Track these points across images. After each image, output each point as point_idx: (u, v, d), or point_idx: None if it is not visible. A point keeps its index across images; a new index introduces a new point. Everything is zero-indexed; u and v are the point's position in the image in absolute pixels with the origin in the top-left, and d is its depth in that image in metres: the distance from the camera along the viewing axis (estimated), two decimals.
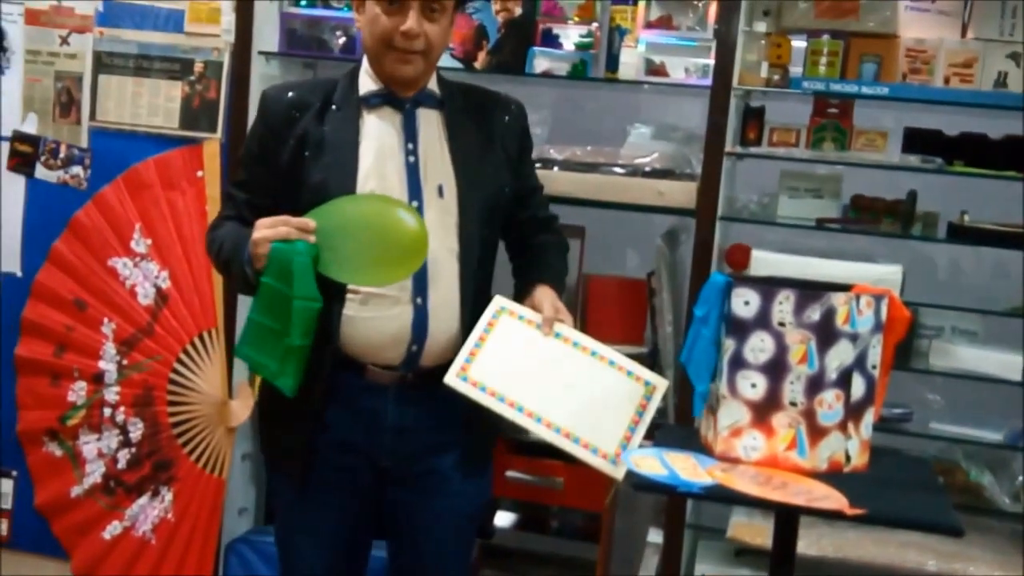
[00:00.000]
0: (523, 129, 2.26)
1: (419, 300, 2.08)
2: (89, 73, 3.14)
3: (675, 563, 2.79)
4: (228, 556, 3.08)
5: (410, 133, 2.12)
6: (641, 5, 2.83)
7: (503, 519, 3.18)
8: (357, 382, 2.12)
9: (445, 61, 2.86)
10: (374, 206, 2.06)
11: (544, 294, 2.16)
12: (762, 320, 1.94)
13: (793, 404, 1.94)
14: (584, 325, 3.00)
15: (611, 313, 2.94)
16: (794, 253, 2.59)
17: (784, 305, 1.92)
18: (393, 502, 2.19)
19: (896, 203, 2.75)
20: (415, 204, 2.09)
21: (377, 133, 2.12)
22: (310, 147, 2.10)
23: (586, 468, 2.72)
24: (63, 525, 3.21)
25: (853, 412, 1.96)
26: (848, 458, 1.97)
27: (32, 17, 3.19)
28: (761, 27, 2.75)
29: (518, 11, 2.88)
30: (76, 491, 3.18)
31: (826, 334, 1.92)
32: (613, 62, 2.84)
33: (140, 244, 3.09)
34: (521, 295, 2.21)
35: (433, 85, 2.16)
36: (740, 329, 1.94)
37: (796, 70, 2.73)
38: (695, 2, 2.82)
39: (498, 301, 2.13)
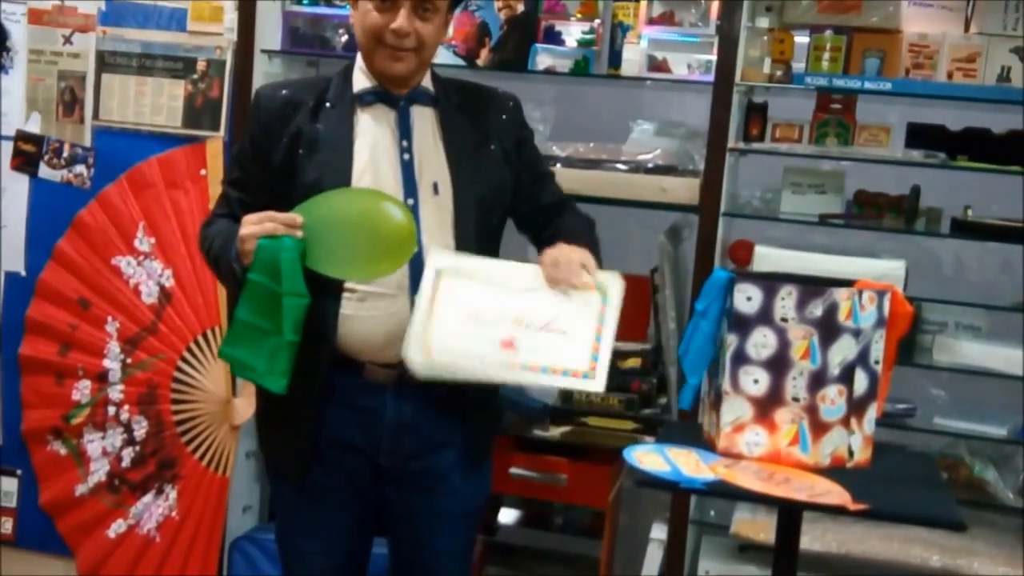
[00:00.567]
0: (519, 122, 2.24)
1: (416, 298, 2.05)
2: (92, 72, 3.15)
3: (679, 559, 2.79)
4: (232, 554, 3.09)
5: (404, 130, 2.11)
6: (643, 2, 2.83)
7: (507, 516, 3.18)
8: (355, 381, 2.10)
9: (448, 58, 2.87)
10: (361, 200, 2.05)
11: (558, 248, 2.09)
12: (765, 316, 1.94)
13: (796, 400, 1.94)
14: None
15: None
16: (797, 249, 2.58)
17: (787, 301, 1.92)
18: (392, 501, 2.19)
19: (899, 198, 2.74)
20: (410, 202, 2.08)
21: (371, 131, 2.11)
22: (304, 145, 2.09)
23: (590, 465, 2.74)
24: (68, 523, 3.21)
25: (856, 408, 1.96)
26: (851, 454, 1.97)
27: (35, 16, 3.19)
28: (764, 23, 2.75)
29: (520, 8, 2.88)
30: (81, 489, 3.18)
31: (829, 330, 1.92)
32: (615, 59, 2.84)
33: (144, 243, 3.10)
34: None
35: (427, 82, 2.16)
36: (743, 325, 1.94)
37: (799, 66, 2.73)
38: None
39: (434, 262, 2.05)
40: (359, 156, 2.09)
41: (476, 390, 2.14)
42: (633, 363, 2.78)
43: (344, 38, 2.95)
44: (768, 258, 2.53)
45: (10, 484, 3.28)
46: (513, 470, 2.74)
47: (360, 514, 2.21)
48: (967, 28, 2.66)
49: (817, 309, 1.92)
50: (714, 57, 2.71)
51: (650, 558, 2.79)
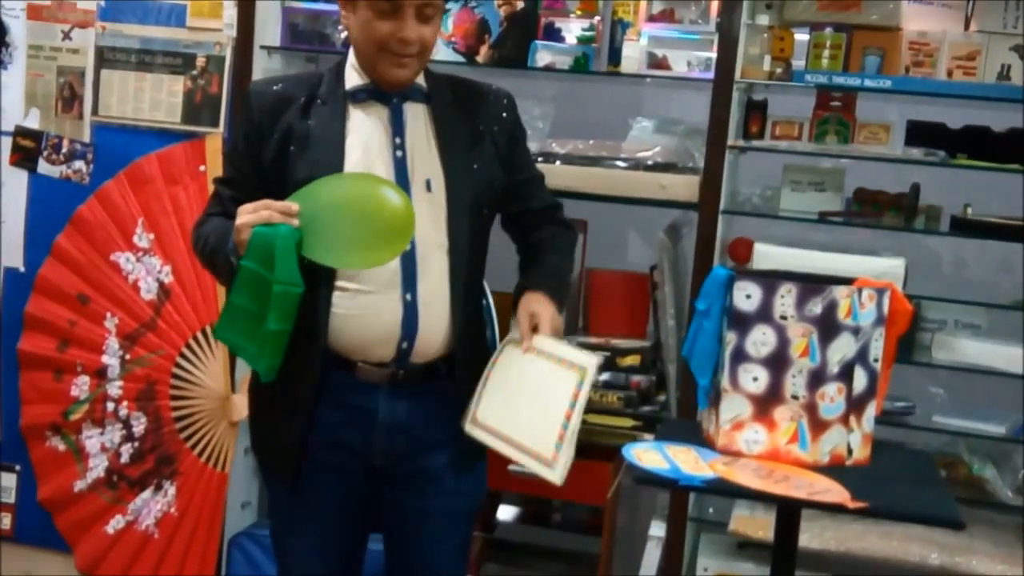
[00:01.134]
0: (513, 120, 2.22)
1: (408, 296, 2.04)
2: (91, 68, 3.14)
3: (677, 557, 2.79)
4: (231, 550, 3.09)
5: (397, 127, 2.09)
6: None
7: (505, 513, 3.18)
8: (347, 380, 2.09)
9: (447, 55, 2.87)
10: (358, 185, 2.03)
11: (522, 304, 2.12)
12: (764, 313, 1.94)
13: (795, 397, 1.94)
14: (586, 319, 3.00)
15: (613, 307, 2.94)
16: (797, 246, 2.58)
17: (786, 298, 1.92)
18: (386, 501, 2.18)
19: (899, 196, 2.74)
20: None
21: (363, 128, 2.09)
22: (295, 142, 2.07)
23: (588, 462, 2.74)
24: (66, 519, 3.21)
25: (855, 405, 1.96)
26: (850, 451, 1.97)
27: (34, 12, 3.18)
28: (764, 20, 2.74)
29: (520, 5, 2.87)
30: (79, 485, 3.18)
31: (828, 327, 1.93)
32: (615, 56, 2.84)
33: (143, 239, 3.09)
34: (515, 304, 2.16)
35: (420, 79, 2.13)
36: (742, 322, 1.94)
37: (799, 63, 2.73)
38: None
39: (509, 336, 2.11)
40: (351, 153, 2.07)
41: (471, 387, 2.13)
42: (632, 360, 2.78)
43: (344, 34, 2.94)
44: (767, 256, 2.53)
45: (9, 480, 3.28)
46: (511, 467, 2.71)
47: (354, 513, 2.20)
48: (967, 26, 2.66)
49: (816, 307, 1.92)
50: (714, 54, 2.71)
51: (649, 555, 2.79)
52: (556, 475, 1.91)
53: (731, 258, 2.79)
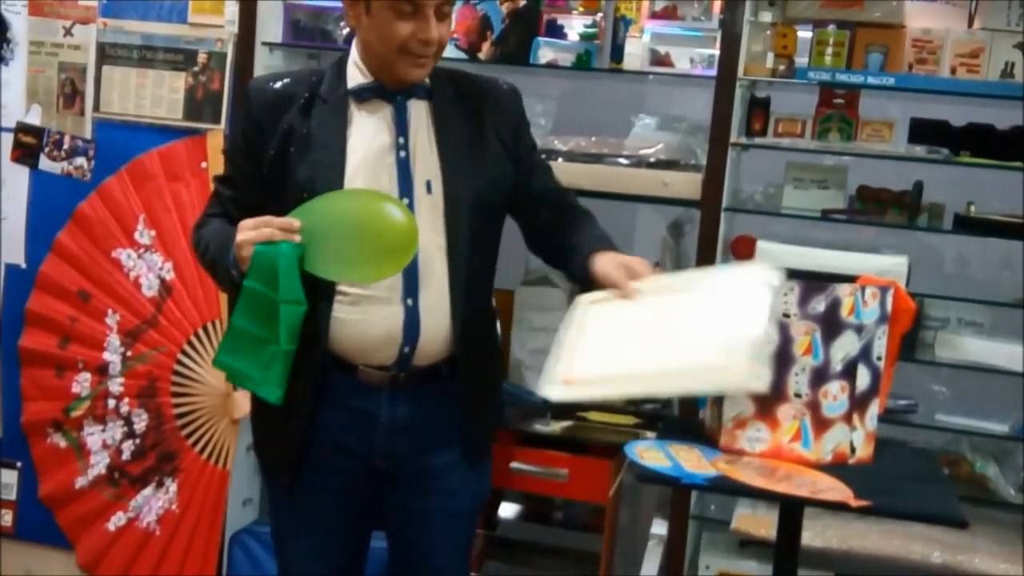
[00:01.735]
0: (517, 113, 2.18)
1: (410, 301, 2.02)
2: (93, 64, 3.14)
3: (679, 555, 2.78)
4: (232, 547, 3.09)
5: (401, 127, 2.05)
6: None
7: (507, 510, 3.17)
8: (348, 383, 2.07)
9: (449, 51, 2.84)
10: (360, 201, 2.00)
11: (605, 262, 2.01)
12: None
13: (798, 396, 1.93)
14: None
15: None
16: (799, 244, 2.58)
17: (789, 296, 1.92)
18: (389, 501, 2.17)
19: (902, 194, 2.74)
20: (405, 201, 2.02)
21: (366, 128, 2.05)
22: (296, 143, 2.03)
23: (590, 460, 2.74)
24: (67, 516, 3.21)
25: (858, 404, 1.95)
26: (853, 450, 1.96)
27: (36, 8, 3.18)
28: (767, 17, 2.74)
29: (522, 1, 2.87)
30: (80, 482, 3.18)
31: (831, 325, 1.92)
32: (618, 53, 2.83)
33: (144, 235, 3.09)
34: (578, 277, 2.09)
35: None
36: None
37: (802, 60, 2.72)
38: None
39: (580, 299, 2.02)
40: (352, 154, 2.03)
41: (476, 388, 2.12)
42: None
43: (346, 31, 2.94)
44: (770, 254, 2.53)
45: (10, 476, 3.28)
46: (513, 465, 2.73)
47: (355, 514, 2.19)
48: (971, 23, 2.65)
49: (819, 305, 1.92)
50: (717, 51, 2.70)
51: (650, 553, 2.78)
52: (761, 382, 1.80)
53: (734, 256, 2.78)
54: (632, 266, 2.00)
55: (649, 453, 1.93)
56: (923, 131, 2.72)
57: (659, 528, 2.80)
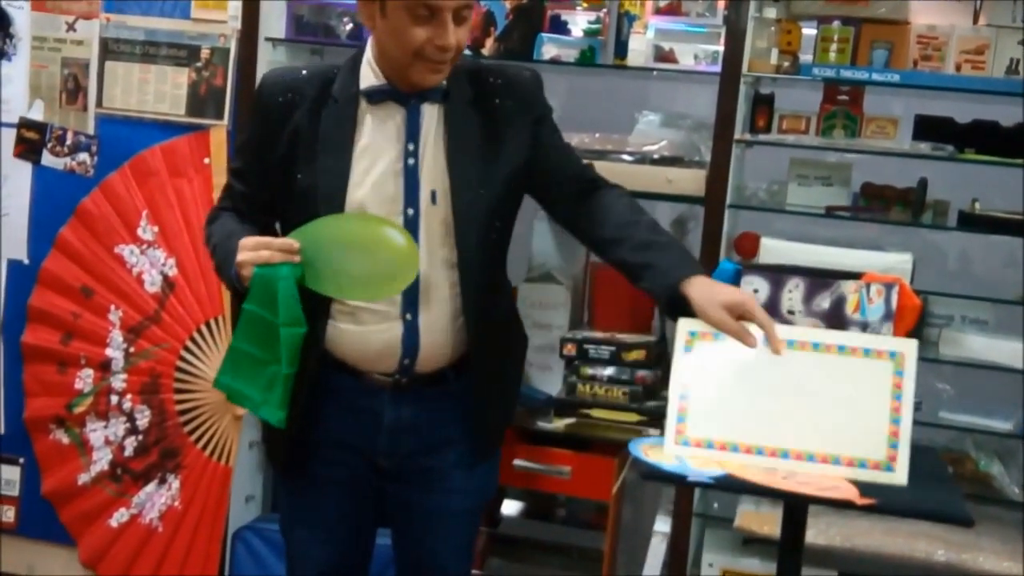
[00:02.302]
0: (538, 99, 2.10)
1: (408, 316, 2.00)
2: (96, 59, 3.13)
3: (682, 552, 2.78)
4: (235, 544, 3.08)
5: (412, 132, 1.98)
6: None
7: (510, 507, 3.17)
8: (353, 383, 2.07)
9: None
10: (360, 226, 1.98)
11: (706, 303, 1.87)
12: (771, 308, 1.93)
13: None
14: (592, 314, 2.99)
15: (619, 303, 2.93)
16: (803, 241, 2.57)
17: (794, 293, 1.92)
18: (394, 498, 2.16)
19: (906, 191, 2.73)
20: (410, 212, 1.98)
21: (375, 133, 2.00)
22: (302, 146, 1.99)
23: (594, 457, 2.73)
24: (70, 512, 3.21)
25: None
26: None
27: (39, 3, 3.17)
28: (771, 13, 2.73)
29: None
30: (83, 478, 3.18)
31: (836, 322, 1.92)
32: (622, 49, 2.82)
33: (147, 231, 3.09)
34: (660, 300, 1.98)
35: None
36: None
37: (806, 57, 2.71)
38: None
39: (685, 326, 1.91)
40: (359, 162, 1.99)
41: (488, 388, 2.11)
42: (637, 355, 2.76)
43: (349, 26, 2.93)
44: (774, 250, 2.52)
45: (12, 472, 3.28)
46: (516, 462, 2.73)
47: (362, 506, 2.18)
48: (976, 20, 2.64)
49: (824, 302, 1.91)
50: (721, 48, 2.69)
51: (654, 551, 2.78)
52: (900, 476, 1.80)
53: (737, 252, 2.77)
54: (735, 306, 1.87)
55: (654, 451, 1.92)
56: (928, 128, 2.71)
57: (662, 525, 2.79)
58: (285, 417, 1.95)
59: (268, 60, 2.98)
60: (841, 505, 1.79)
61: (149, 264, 3.09)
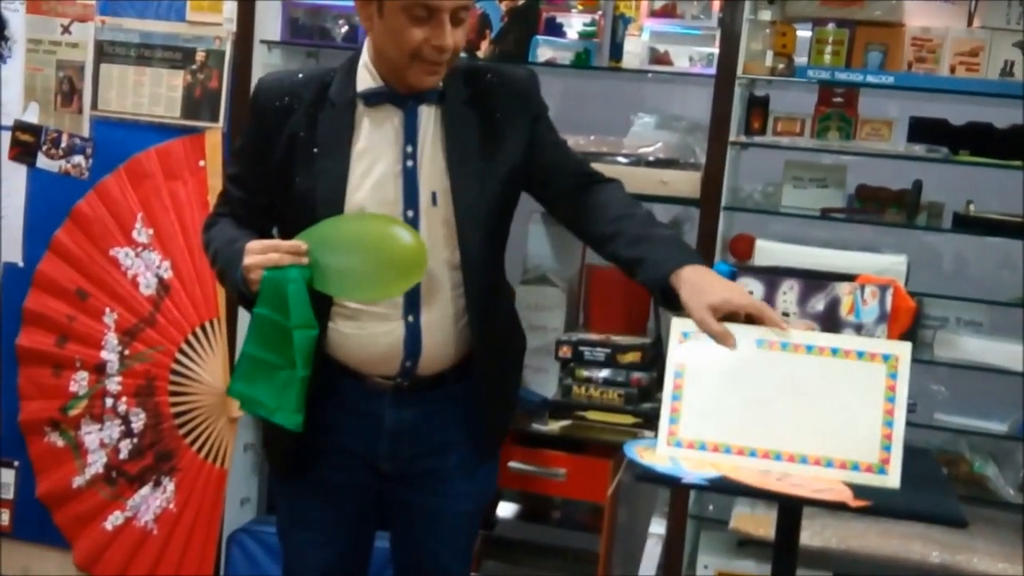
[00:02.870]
0: (534, 99, 2.11)
1: (410, 317, 2.00)
2: (91, 62, 3.13)
3: (678, 554, 2.78)
4: (230, 547, 3.08)
5: (410, 134, 1.99)
6: None
7: (505, 510, 3.17)
8: (354, 386, 2.07)
9: None
10: (369, 225, 1.98)
11: (694, 302, 1.86)
12: None
13: None
14: (587, 316, 2.99)
15: (614, 304, 2.93)
16: (798, 243, 2.57)
17: (788, 295, 1.91)
18: (393, 499, 2.16)
19: (901, 193, 2.73)
20: (410, 214, 1.98)
21: (373, 135, 2.00)
22: (300, 150, 1.99)
23: (589, 459, 2.73)
24: (65, 515, 3.21)
25: None
26: None
27: (34, 6, 3.17)
28: (766, 16, 2.73)
29: (521, 0, 2.86)
30: (78, 481, 3.18)
31: (830, 324, 1.91)
32: (617, 51, 2.82)
33: (142, 234, 3.08)
34: (655, 294, 1.97)
35: None
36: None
37: (801, 59, 2.72)
38: None
39: (678, 327, 1.90)
40: (357, 164, 1.99)
41: (489, 389, 2.11)
42: (632, 357, 2.77)
43: (344, 28, 2.93)
44: (769, 252, 2.52)
45: (7, 475, 3.27)
46: (511, 464, 2.72)
47: (361, 510, 2.18)
48: (970, 22, 2.64)
49: (819, 304, 1.91)
50: (716, 50, 2.70)
51: (649, 553, 2.78)
52: (892, 479, 1.79)
53: (732, 255, 2.78)
54: (719, 306, 1.86)
55: (649, 453, 1.92)
56: (922, 130, 2.72)
57: (657, 527, 2.79)
58: (303, 421, 1.94)
59: (263, 62, 2.98)
60: (835, 507, 1.79)
61: (144, 267, 3.08)
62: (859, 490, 1.78)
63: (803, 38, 2.73)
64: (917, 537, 2.64)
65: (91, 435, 3.15)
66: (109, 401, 3.13)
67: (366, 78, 2.01)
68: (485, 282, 2.07)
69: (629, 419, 2.76)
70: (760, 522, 2.72)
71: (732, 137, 2.70)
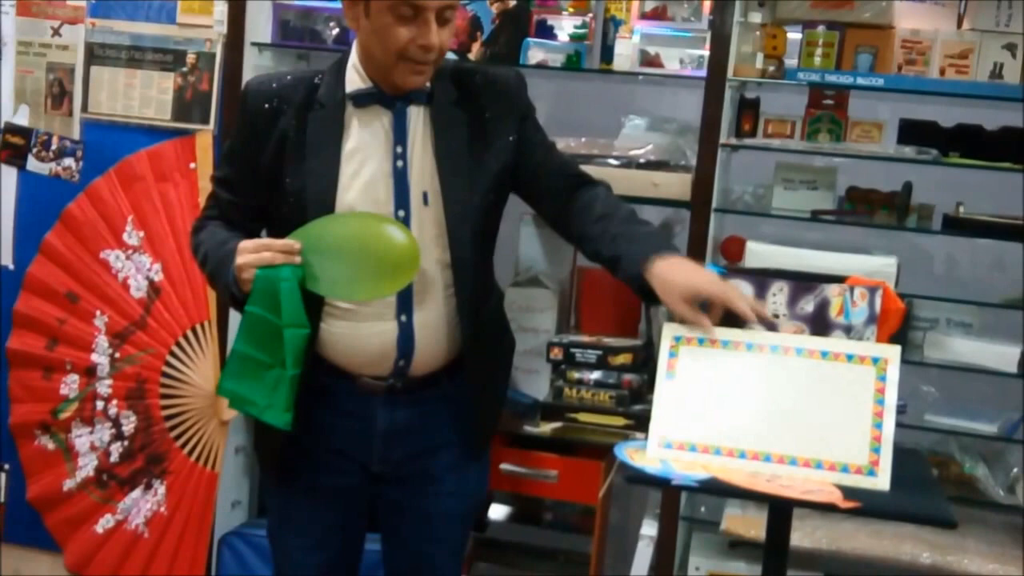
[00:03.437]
0: (521, 102, 2.12)
1: (403, 317, 2.01)
2: (81, 64, 3.13)
3: (669, 556, 2.78)
4: (221, 549, 3.07)
5: (399, 135, 2.00)
6: None
7: (497, 512, 3.17)
8: (346, 387, 2.07)
9: None
10: (361, 224, 1.98)
11: (671, 296, 1.89)
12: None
13: None
14: (578, 318, 2.99)
15: (605, 306, 2.93)
16: (789, 245, 2.57)
17: (778, 297, 1.92)
18: (386, 501, 2.17)
19: (891, 195, 2.74)
20: (401, 214, 1.99)
21: (362, 135, 2.01)
22: (290, 150, 2.00)
23: (580, 461, 2.73)
24: (56, 518, 3.20)
25: None
26: None
27: (24, 8, 3.17)
28: (756, 18, 2.74)
29: (512, 2, 2.86)
30: (69, 484, 3.17)
31: (820, 326, 1.92)
32: (608, 53, 2.83)
33: (132, 236, 3.08)
34: (634, 288, 1.99)
35: None
36: (734, 320, 1.93)
37: (791, 61, 2.72)
38: None
39: (670, 331, 1.92)
40: (347, 164, 2.00)
41: (480, 389, 2.11)
42: (624, 359, 2.77)
43: (335, 31, 2.93)
44: (759, 254, 2.52)
45: None
46: (503, 466, 2.72)
47: (353, 513, 2.18)
48: (960, 24, 2.65)
49: (808, 305, 1.92)
50: (706, 52, 2.70)
51: (640, 554, 2.78)
52: (882, 481, 1.80)
53: (723, 256, 2.78)
54: (692, 296, 1.88)
55: (639, 454, 1.92)
56: (912, 132, 2.72)
57: (649, 529, 2.80)
58: (292, 420, 1.94)
59: (254, 64, 2.97)
60: (825, 508, 1.80)
61: (135, 269, 3.08)
62: (849, 491, 1.79)
63: (793, 40, 2.73)
64: (908, 538, 2.65)
65: (82, 438, 3.15)
66: (100, 404, 3.12)
67: (355, 79, 2.02)
68: (476, 281, 2.07)
69: (620, 421, 2.76)
70: (751, 523, 2.72)
71: (723, 139, 2.71)
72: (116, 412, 3.11)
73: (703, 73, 2.69)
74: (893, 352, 1.85)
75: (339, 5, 2.88)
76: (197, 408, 3.05)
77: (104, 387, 3.12)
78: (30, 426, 3.20)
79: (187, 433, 3.06)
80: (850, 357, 1.85)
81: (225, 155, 2.17)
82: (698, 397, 1.89)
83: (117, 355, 3.10)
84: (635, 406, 2.78)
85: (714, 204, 2.72)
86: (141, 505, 3.11)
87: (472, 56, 2.88)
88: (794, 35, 2.73)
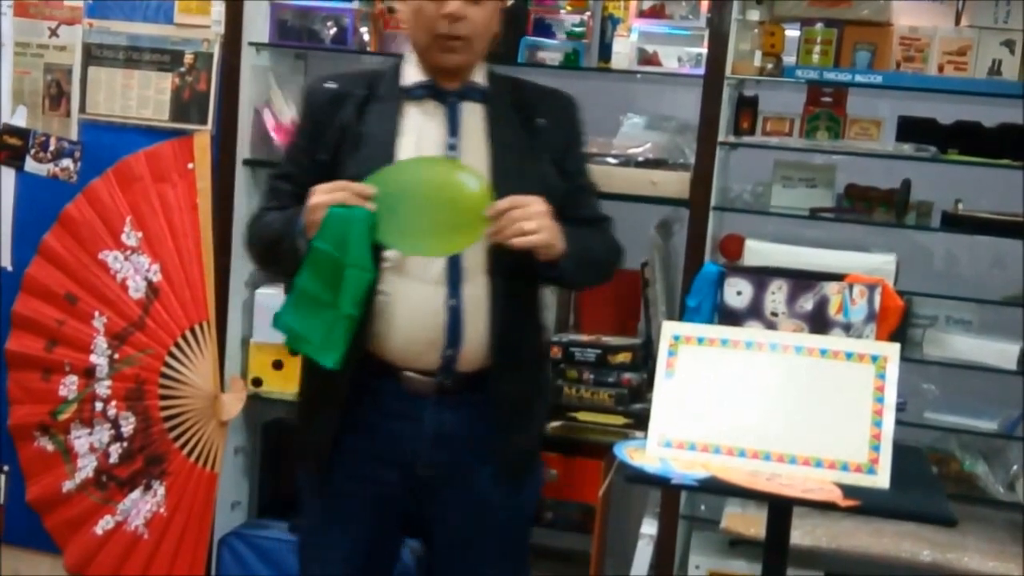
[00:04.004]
0: (572, 124, 2.17)
1: (453, 301, 2.00)
2: (79, 65, 3.12)
3: (669, 554, 2.78)
4: (221, 550, 3.07)
5: (452, 127, 2.06)
6: None
7: None
8: (394, 388, 2.05)
9: None
10: (435, 170, 1.99)
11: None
12: (755, 310, 1.93)
13: None
14: (577, 316, 2.99)
15: (604, 304, 2.93)
16: (788, 243, 2.57)
17: (777, 295, 1.92)
18: (429, 512, 2.13)
19: (890, 192, 2.74)
20: None
21: (418, 127, 2.06)
22: (348, 140, 2.05)
23: (580, 460, 2.73)
24: (55, 520, 3.20)
25: None
26: None
27: (21, 9, 3.16)
28: (754, 16, 2.74)
29: (510, 0, 2.86)
30: (68, 486, 3.16)
31: (819, 323, 1.92)
32: (606, 51, 2.83)
33: (131, 237, 3.08)
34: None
35: (480, 78, 2.10)
36: (733, 319, 1.93)
37: (789, 59, 2.72)
38: None
39: (669, 330, 1.94)
40: (402, 153, 2.03)
41: (510, 403, 2.08)
42: (623, 358, 2.77)
43: (332, 30, 2.93)
44: (758, 252, 2.52)
45: None
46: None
47: (389, 522, 2.16)
48: (958, 21, 2.65)
49: (808, 303, 1.92)
50: (704, 50, 2.70)
51: (640, 553, 2.78)
52: (882, 479, 1.81)
53: (722, 254, 2.78)
54: (523, 204, 1.93)
55: (639, 453, 1.92)
56: (911, 129, 2.72)
57: (649, 528, 2.79)
58: (340, 359, 1.93)
59: (251, 65, 2.98)
60: (824, 507, 1.80)
61: (133, 270, 3.07)
62: (848, 490, 1.79)
63: (791, 38, 2.73)
64: (908, 536, 2.65)
65: (81, 439, 3.14)
66: (99, 405, 3.12)
67: (410, 73, 2.10)
68: (516, 275, 2.05)
69: (620, 419, 2.76)
70: (751, 522, 2.72)
71: (721, 137, 2.71)
72: (115, 413, 3.11)
73: (701, 71, 2.69)
74: (892, 350, 1.85)
75: (336, 4, 2.91)
76: (196, 409, 3.05)
77: (103, 388, 3.11)
78: (29, 427, 3.19)
79: (186, 434, 3.06)
80: (849, 355, 1.85)
81: (287, 151, 2.23)
82: (697, 396, 1.89)
83: (116, 356, 3.10)
84: (634, 405, 2.78)
85: (713, 202, 2.72)
86: (141, 506, 3.11)
87: None
88: (792, 33, 2.73)
